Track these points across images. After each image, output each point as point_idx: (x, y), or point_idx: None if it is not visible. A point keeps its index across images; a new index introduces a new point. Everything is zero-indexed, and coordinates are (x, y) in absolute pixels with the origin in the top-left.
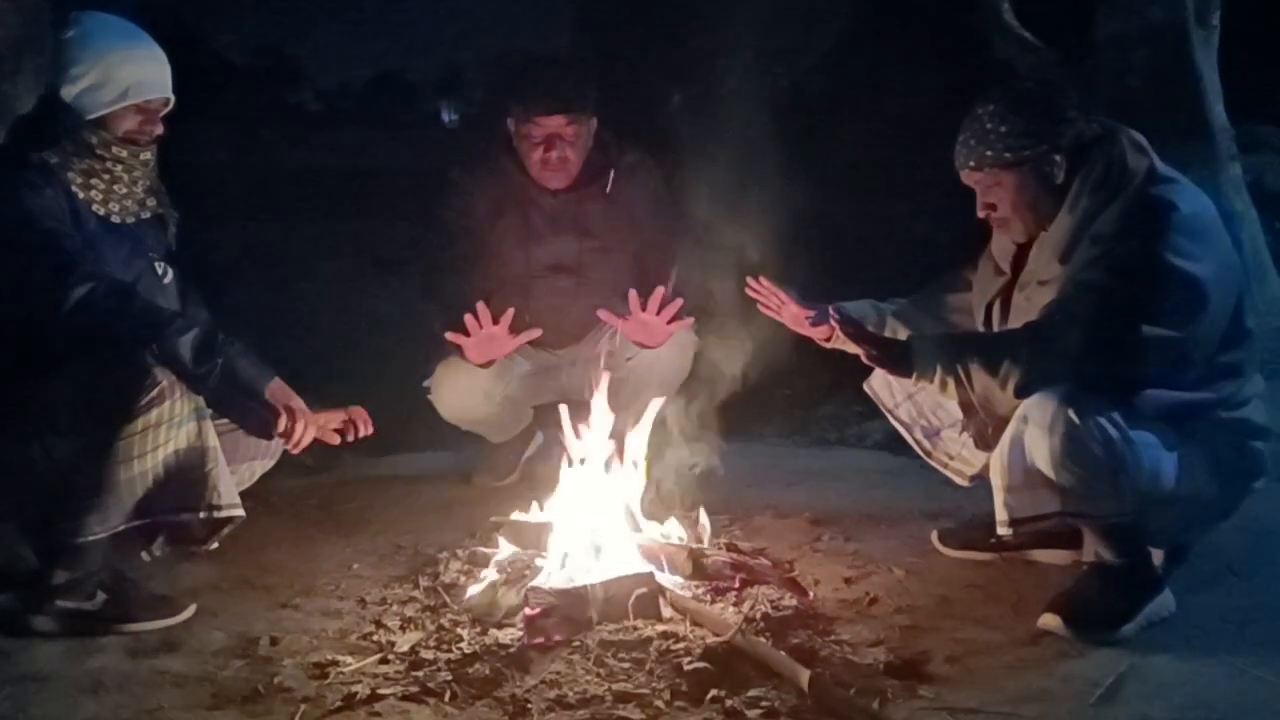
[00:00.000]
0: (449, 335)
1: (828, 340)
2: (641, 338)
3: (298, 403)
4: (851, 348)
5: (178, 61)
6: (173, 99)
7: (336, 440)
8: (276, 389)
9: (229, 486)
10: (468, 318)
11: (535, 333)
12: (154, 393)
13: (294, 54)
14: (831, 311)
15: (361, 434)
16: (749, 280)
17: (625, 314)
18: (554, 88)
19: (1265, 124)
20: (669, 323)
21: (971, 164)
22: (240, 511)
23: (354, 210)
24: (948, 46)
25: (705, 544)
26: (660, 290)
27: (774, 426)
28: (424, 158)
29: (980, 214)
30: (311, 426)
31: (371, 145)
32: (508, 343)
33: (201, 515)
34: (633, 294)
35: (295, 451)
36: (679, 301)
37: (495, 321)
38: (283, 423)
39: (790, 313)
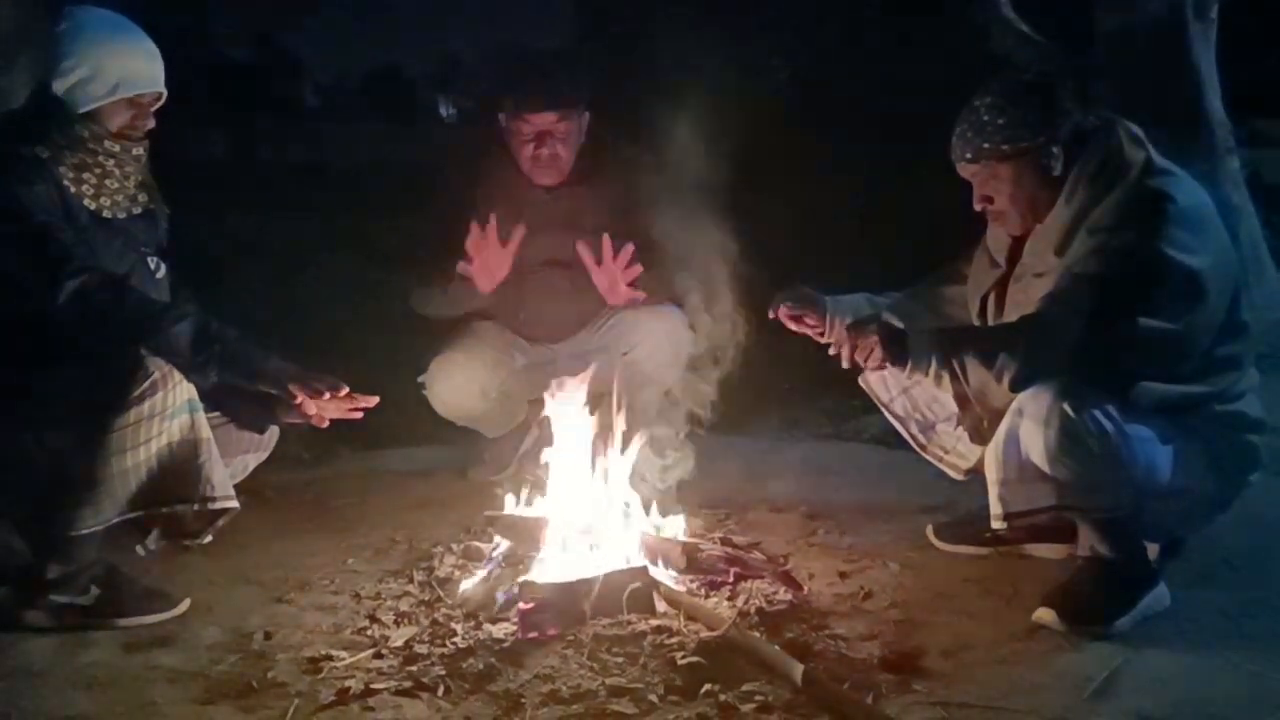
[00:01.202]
0: (461, 267)
1: (823, 335)
2: (603, 290)
3: (304, 379)
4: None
5: (176, 56)
6: (164, 93)
7: (359, 416)
8: (277, 369)
9: (223, 478)
10: (470, 240)
11: (520, 230)
12: (146, 384)
13: (292, 48)
14: (828, 318)
15: (363, 404)
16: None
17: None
18: (544, 84)
19: (1263, 117)
20: (629, 284)
21: (968, 156)
22: (234, 503)
23: (352, 205)
24: (946, 40)
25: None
26: (630, 249)
27: (770, 420)
28: (422, 152)
29: (977, 206)
30: (328, 399)
31: (369, 140)
32: (505, 254)
33: (195, 507)
34: (606, 238)
35: (322, 425)
36: (638, 269)
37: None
38: (300, 402)
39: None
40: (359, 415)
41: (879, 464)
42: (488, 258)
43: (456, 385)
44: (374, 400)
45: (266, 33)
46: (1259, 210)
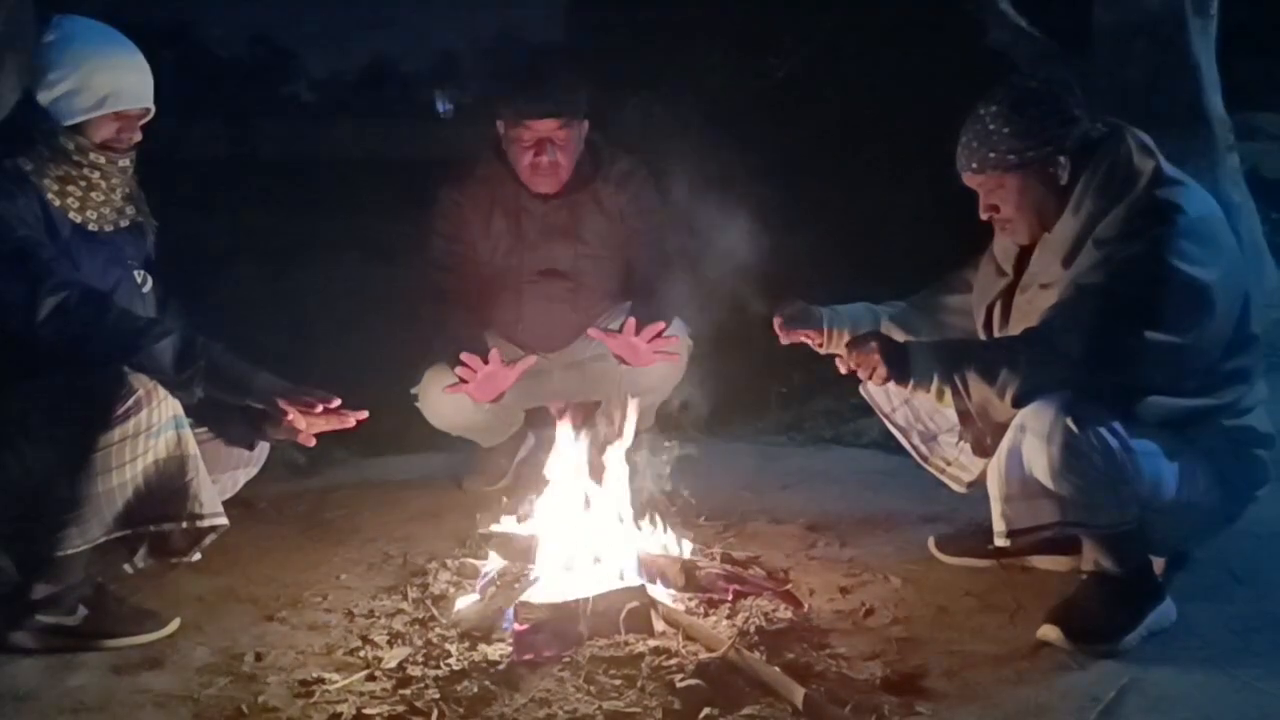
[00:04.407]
0: (448, 389)
1: (821, 346)
2: (626, 356)
3: (293, 393)
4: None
5: (172, 55)
6: (153, 109)
7: (351, 425)
8: (265, 383)
9: (211, 495)
10: (460, 369)
11: (531, 360)
12: (130, 402)
13: (288, 46)
14: (826, 331)
15: (354, 418)
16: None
17: (616, 331)
18: (545, 90)
19: (1262, 111)
20: (657, 352)
21: (974, 166)
22: (223, 520)
23: (348, 202)
24: (945, 37)
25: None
26: (660, 325)
27: (768, 424)
28: (419, 148)
29: (983, 216)
30: (319, 413)
31: (366, 136)
32: (508, 376)
33: (183, 525)
34: (630, 321)
35: (310, 444)
36: (675, 338)
37: (486, 361)
38: (290, 418)
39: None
40: (351, 425)
41: (878, 470)
42: (491, 375)
43: (449, 397)
44: (364, 414)
45: (263, 30)
46: (1258, 205)
